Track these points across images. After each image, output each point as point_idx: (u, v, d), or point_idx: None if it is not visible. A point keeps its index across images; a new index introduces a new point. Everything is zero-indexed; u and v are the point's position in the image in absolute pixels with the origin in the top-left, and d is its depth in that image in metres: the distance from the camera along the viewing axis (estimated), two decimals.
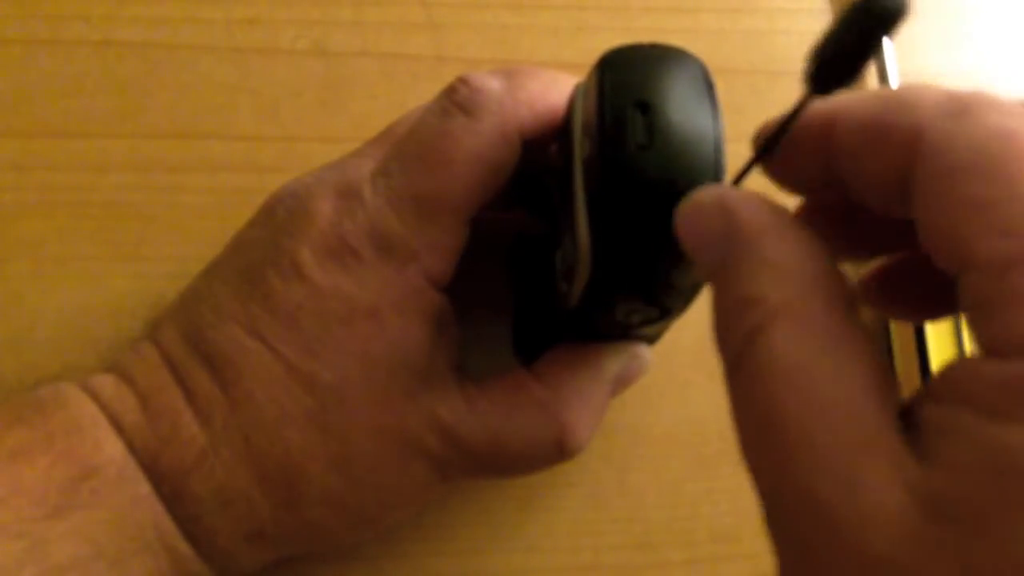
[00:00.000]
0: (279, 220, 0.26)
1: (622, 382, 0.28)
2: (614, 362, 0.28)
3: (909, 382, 0.33)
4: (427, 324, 0.25)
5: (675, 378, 0.33)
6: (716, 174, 0.20)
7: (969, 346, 0.33)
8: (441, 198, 0.25)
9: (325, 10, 0.34)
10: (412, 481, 0.26)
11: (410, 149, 0.25)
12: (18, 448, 0.23)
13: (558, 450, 0.27)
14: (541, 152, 0.26)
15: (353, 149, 0.28)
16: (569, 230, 0.23)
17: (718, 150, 0.20)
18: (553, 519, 0.31)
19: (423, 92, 0.27)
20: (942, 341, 0.33)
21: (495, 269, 0.31)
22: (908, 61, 0.36)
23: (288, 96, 0.33)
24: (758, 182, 0.20)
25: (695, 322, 0.33)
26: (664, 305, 0.23)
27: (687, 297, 0.23)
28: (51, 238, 0.31)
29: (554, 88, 0.26)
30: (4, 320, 0.30)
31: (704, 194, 0.19)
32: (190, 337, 0.25)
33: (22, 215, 0.31)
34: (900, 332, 0.34)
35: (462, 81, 0.26)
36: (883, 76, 0.35)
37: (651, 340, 0.28)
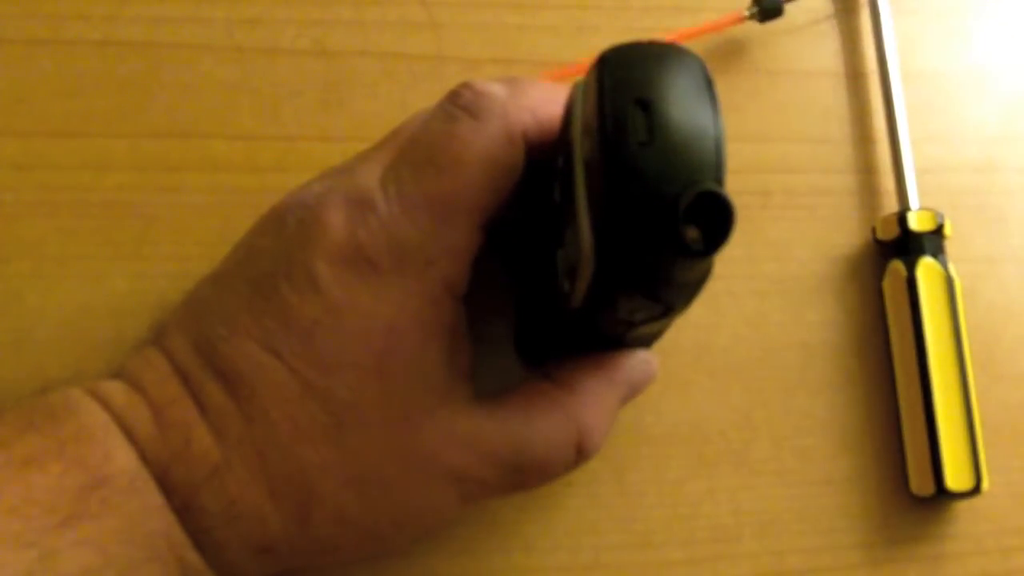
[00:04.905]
0: (290, 230, 0.25)
1: (633, 388, 0.28)
2: (627, 366, 0.28)
3: (909, 382, 0.33)
4: (445, 337, 0.25)
5: (675, 378, 0.33)
6: (717, 171, 0.20)
7: (968, 348, 0.33)
8: (455, 200, 0.25)
9: (325, 10, 0.34)
10: (428, 500, 0.26)
11: (419, 153, 0.25)
12: (30, 455, 0.23)
13: (576, 451, 0.27)
14: (542, 158, 0.26)
15: (354, 149, 0.28)
16: (571, 229, 0.23)
17: (719, 147, 0.20)
18: (553, 518, 0.31)
19: (423, 92, 0.27)
20: (941, 340, 0.33)
21: (495, 269, 0.31)
22: (908, 61, 0.36)
23: (288, 96, 0.33)
24: None
25: (695, 322, 0.33)
26: (667, 301, 0.23)
27: (690, 293, 0.23)
28: (51, 238, 0.31)
29: (554, 98, 0.26)
30: (4, 320, 0.30)
31: None
32: (201, 349, 0.25)
33: (22, 215, 0.31)
34: (899, 331, 0.34)
35: (465, 86, 0.26)
36: (884, 76, 0.35)
37: (653, 338, 0.28)
